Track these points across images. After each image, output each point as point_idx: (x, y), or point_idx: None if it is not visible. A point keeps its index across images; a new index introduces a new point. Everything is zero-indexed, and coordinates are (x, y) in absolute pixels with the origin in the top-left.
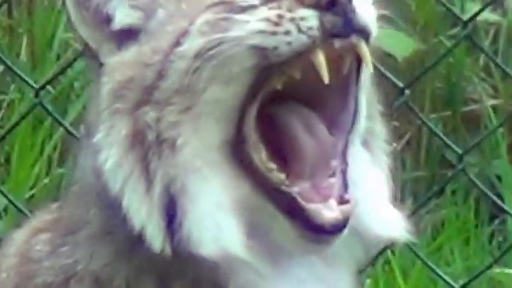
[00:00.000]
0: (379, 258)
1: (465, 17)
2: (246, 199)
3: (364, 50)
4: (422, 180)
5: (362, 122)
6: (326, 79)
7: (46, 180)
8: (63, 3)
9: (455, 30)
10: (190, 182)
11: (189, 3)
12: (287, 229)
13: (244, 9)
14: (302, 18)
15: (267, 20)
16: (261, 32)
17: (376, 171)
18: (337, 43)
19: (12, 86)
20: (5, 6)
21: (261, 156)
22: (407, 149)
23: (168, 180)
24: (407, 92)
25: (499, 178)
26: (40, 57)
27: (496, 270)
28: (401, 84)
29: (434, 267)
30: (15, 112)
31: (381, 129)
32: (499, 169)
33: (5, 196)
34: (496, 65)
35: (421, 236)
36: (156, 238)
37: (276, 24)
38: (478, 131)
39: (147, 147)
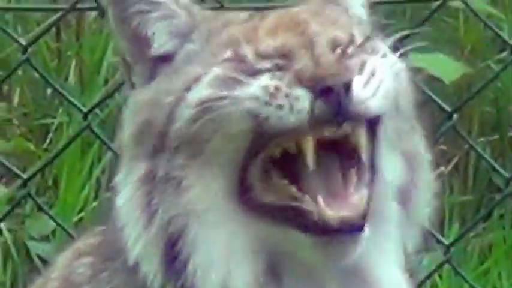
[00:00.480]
0: (427, 282)
1: None
2: (258, 240)
3: (358, 139)
4: (469, 204)
5: (388, 176)
6: (311, 166)
7: (94, 204)
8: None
9: (503, 55)
10: (195, 226)
11: (214, 45)
12: (305, 244)
13: (253, 72)
14: (296, 98)
15: (266, 88)
16: (257, 99)
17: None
18: (327, 131)
19: (61, 109)
20: (53, 30)
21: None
22: (455, 173)
23: (169, 218)
24: (455, 116)
25: None
26: (88, 81)
27: None
28: (449, 109)
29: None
30: (63, 135)
31: (427, 180)
32: None
33: (53, 219)
34: None
35: (469, 260)
36: (151, 272)
37: (272, 95)
38: None
39: (154, 184)
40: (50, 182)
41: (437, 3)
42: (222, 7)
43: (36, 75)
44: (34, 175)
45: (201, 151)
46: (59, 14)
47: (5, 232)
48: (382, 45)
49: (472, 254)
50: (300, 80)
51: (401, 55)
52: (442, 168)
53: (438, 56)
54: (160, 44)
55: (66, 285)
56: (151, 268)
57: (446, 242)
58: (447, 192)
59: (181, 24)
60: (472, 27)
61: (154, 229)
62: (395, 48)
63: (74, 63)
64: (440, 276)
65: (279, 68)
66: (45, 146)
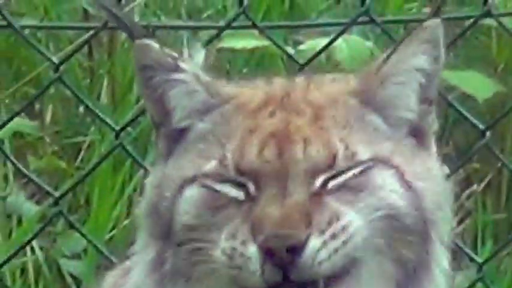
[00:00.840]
0: None
1: None
2: None
3: None
4: (502, 222)
5: None
6: None
7: (126, 222)
8: None
9: None
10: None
11: (218, 135)
12: None
13: (232, 185)
14: (249, 258)
15: (224, 251)
16: (220, 261)
17: None
18: None
19: (93, 128)
20: (85, 48)
21: None
22: (488, 191)
23: None
24: (488, 133)
25: None
26: (120, 99)
27: None
28: (482, 126)
29: None
30: (95, 153)
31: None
32: None
33: (85, 237)
34: None
35: (502, 278)
36: None
37: (230, 257)
38: None
39: (164, 274)
40: (81, 200)
41: (470, 21)
42: (254, 26)
43: (68, 93)
44: (66, 193)
45: (199, 253)
46: (91, 32)
47: (37, 250)
48: (378, 176)
49: (505, 272)
50: (253, 236)
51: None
52: (475, 186)
53: (471, 74)
54: (180, 118)
55: None
56: None
57: (480, 260)
58: (480, 210)
59: (199, 102)
60: (505, 45)
61: None
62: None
63: (106, 81)
64: None
65: (248, 196)
66: (77, 164)
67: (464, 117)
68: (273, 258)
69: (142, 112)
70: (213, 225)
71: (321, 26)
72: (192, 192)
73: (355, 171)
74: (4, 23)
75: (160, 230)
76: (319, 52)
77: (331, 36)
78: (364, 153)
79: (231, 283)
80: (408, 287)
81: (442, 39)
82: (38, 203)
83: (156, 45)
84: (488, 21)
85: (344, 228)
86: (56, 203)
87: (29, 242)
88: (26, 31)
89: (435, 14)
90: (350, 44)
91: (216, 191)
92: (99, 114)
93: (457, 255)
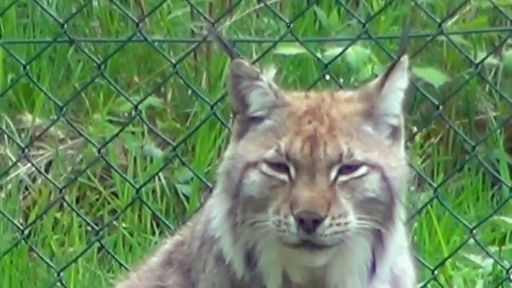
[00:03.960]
0: (423, 210)
1: None
2: (286, 257)
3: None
4: (449, 162)
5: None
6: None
7: (216, 162)
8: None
9: (469, 70)
10: (261, 244)
11: (276, 131)
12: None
13: (280, 170)
14: (289, 225)
15: (274, 222)
16: (272, 228)
17: None
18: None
19: (196, 103)
20: (192, 53)
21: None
22: (440, 142)
23: (247, 240)
24: (440, 107)
25: None
26: (214, 85)
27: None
28: (437, 102)
29: (455, 214)
30: (198, 119)
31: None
32: None
33: (192, 171)
34: None
35: (448, 197)
36: (238, 270)
37: (278, 225)
38: None
39: (236, 222)
40: (189, 147)
41: (430, 37)
42: (296, 40)
43: (181, 81)
44: (179, 143)
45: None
46: (196, 44)
47: (162, 179)
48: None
49: (451, 193)
50: (291, 212)
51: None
52: (432, 139)
53: (431, 70)
54: (254, 109)
55: (169, 261)
56: (237, 263)
57: (435, 185)
58: (435, 154)
59: (269, 102)
60: (452, 52)
61: (239, 244)
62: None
63: (205, 74)
64: (431, 206)
65: (290, 179)
66: (186, 125)
67: (426, 97)
68: (303, 225)
69: (226, 93)
70: (267, 198)
71: (338, 40)
72: (254, 175)
73: (356, 174)
74: (142, 38)
75: (232, 189)
76: (337, 57)
77: (344, 47)
78: (359, 155)
79: (277, 240)
80: (382, 237)
81: (407, 67)
82: (162, 149)
83: (246, 62)
84: (441, 37)
85: (346, 224)
86: (174, 149)
87: (157, 173)
88: (156, 43)
89: (405, 32)
90: (356, 51)
91: (270, 175)
92: (200, 94)
93: (421, 182)
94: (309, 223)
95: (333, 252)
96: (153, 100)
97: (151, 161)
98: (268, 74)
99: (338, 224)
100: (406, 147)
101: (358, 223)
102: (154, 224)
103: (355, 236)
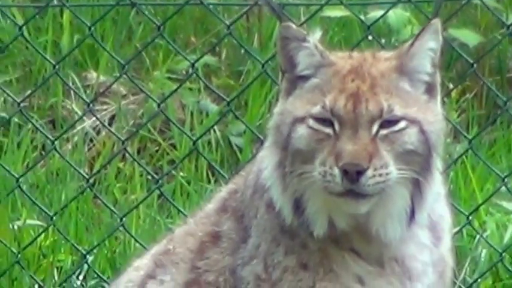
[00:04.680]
0: (458, 161)
1: None
2: (331, 205)
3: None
4: (483, 116)
5: None
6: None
7: (267, 115)
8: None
9: (502, 31)
10: (308, 193)
11: (322, 89)
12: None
13: (325, 125)
14: (334, 175)
15: (320, 173)
16: (318, 178)
17: None
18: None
19: (249, 61)
20: (245, 16)
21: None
22: (474, 98)
23: (296, 189)
24: (475, 65)
25: None
26: (265, 45)
27: None
28: (471, 60)
29: (488, 164)
30: (250, 75)
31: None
32: None
33: (244, 124)
34: None
35: (482, 148)
36: (287, 217)
37: (324, 175)
38: None
39: (285, 172)
40: (242, 102)
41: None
42: (341, 3)
43: (235, 41)
44: (233, 99)
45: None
46: (248, 7)
47: (217, 131)
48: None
49: (484, 144)
50: (336, 163)
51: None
52: (467, 95)
53: (466, 31)
54: (302, 69)
55: (224, 208)
56: (286, 211)
57: (469, 137)
58: (470, 109)
59: (315, 61)
60: (485, 14)
61: (288, 193)
62: None
63: (256, 35)
64: (466, 157)
65: (334, 133)
66: (239, 82)
67: (461, 56)
68: (347, 175)
69: (275, 54)
70: (313, 151)
71: (380, 4)
72: (301, 130)
73: (396, 128)
74: (198, 1)
75: (281, 142)
76: (378, 19)
77: (386, 9)
78: (398, 110)
79: (323, 190)
80: (420, 186)
81: (440, 30)
82: (217, 104)
83: (294, 25)
84: (476, 0)
85: (387, 174)
86: (228, 104)
87: (212, 126)
88: (211, 6)
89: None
90: (396, 14)
91: (316, 130)
92: (252, 53)
93: (457, 135)
94: (353, 174)
95: (375, 200)
96: (208, 59)
97: (207, 115)
98: (315, 36)
99: (380, 175)
100: (443, 103)
101: (398, 173)
102: (209, 173)
103: (395, 185)
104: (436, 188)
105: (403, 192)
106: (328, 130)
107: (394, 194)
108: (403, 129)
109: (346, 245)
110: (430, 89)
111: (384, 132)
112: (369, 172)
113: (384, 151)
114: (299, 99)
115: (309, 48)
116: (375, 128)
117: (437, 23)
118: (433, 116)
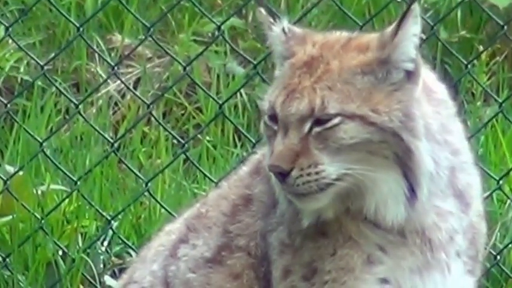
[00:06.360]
0: (490, 123)
1: None
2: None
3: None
4: None
5: None
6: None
7: None
8: None
9: None
10: (372, 179)
11: (274, 85)
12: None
13: (270, 136)
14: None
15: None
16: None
17: None
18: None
19: None
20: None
21: None
22: (505, 60)
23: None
24: (505, 27)
25: None
26: None
27: None
28: (501, 22)
29: None
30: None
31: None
32: None
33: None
34: None
35: None
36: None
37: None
38: None
39: None
40: (269, 65)
41: None
42: None
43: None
44: (260, 62)
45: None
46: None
47: (244, 95)
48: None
49: None
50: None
51: None
52: (498, 57)
53: None
54: (275, 57)
55: (257, 170)
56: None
57: (500, 100)
58: (500, 72)
59: (279, 52)
60: None
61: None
62: None
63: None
64: (497, 120)
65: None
66: (266, 44)
67: (491, 18)
68: (275, 175)
69: (302, 16)
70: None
71: None
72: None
73: (328, 125)
74: None
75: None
76: None
77: None
78: (333, 108)
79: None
80: (408, 166)
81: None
82: (243, 67)
83: (263, 11)
84: None
85: (317, 173)
86: (255, 67)
87: (239, 90)
88: None
89: None
90: None
91: (268, 126)
92: (279, 15)
93: (487, 98)
94: (277, 175)
95: (326, 196)
96: (235, 21)
97: (234, 78)
98: (283, 23)
99: (308, 174)
100: (473, 66)
101: (338, 170)
102: (236, 137)
103: (378, 173)
104: (433, 160)
105: (393, 175)
106: (275, 127)
107: (380, 181)
108: (336, 125)
109: (359, 217)
110: (409, 76)
111: (317, 129)
112: (294, 173)
113: (315, 150)
114: (269, 89)
115: (274, 38)
116: (307, 126)
117: (416, 7)
118: (395, 103)
